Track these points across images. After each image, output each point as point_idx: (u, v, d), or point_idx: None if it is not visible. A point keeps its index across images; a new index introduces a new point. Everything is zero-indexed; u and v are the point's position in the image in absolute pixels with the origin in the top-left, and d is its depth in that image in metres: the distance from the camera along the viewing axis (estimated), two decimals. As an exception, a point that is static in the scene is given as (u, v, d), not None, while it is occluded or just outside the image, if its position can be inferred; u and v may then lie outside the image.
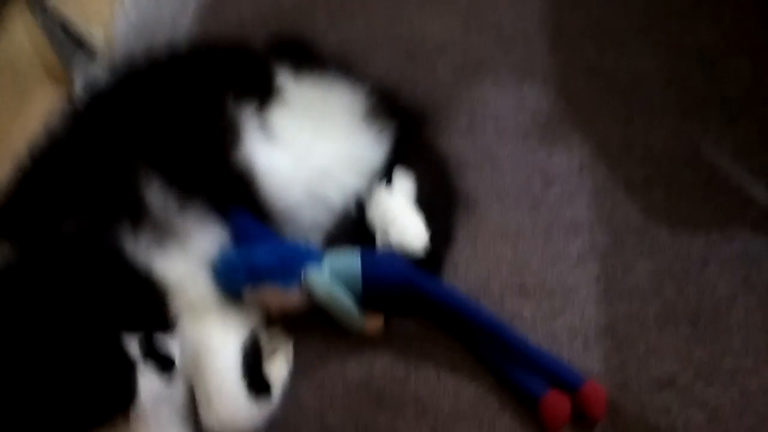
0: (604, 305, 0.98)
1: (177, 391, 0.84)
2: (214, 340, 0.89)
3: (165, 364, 0.77)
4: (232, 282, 0.90)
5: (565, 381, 0.89)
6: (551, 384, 0.89)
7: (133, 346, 0.75)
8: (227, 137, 0.96)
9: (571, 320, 0.98)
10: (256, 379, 0.89)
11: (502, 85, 1.26)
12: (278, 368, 0.94)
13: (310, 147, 1.01)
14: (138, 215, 0.87)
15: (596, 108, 1.21)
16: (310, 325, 0.99)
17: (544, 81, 1.26)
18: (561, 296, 1.00)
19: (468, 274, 1.03)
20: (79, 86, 1.24)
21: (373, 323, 0.97)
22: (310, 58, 1.13)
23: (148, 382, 0.76)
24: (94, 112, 0.99)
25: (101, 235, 0.82)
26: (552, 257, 1.04)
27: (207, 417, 0.86)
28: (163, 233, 0.88)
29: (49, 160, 0.93)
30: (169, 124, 0.95)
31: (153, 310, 0.80)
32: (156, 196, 0.89)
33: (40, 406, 0.71)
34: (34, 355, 0.71)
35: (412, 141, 1.11)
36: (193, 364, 0.85)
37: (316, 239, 1.01)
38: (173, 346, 0.79)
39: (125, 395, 0.75)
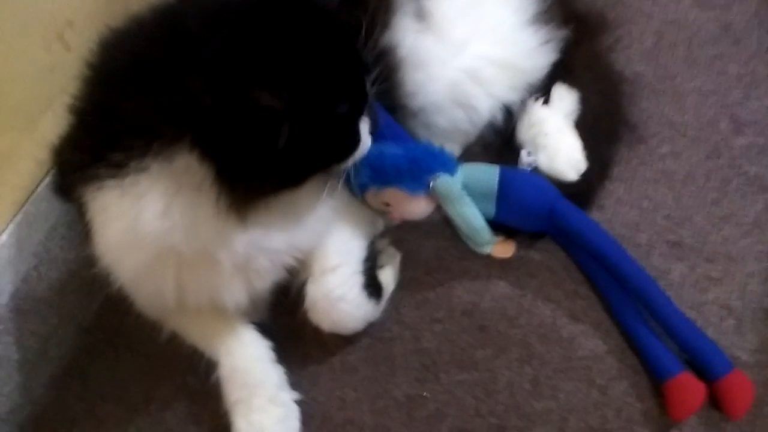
0: (774, 286, 0.83)
1: None
2: (344, 226, 0.83)
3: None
4: (356, 179, 0.82)
5: (708, 364, 0.75)
6: (688, 363, 0.77)
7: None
8: (378, 16, 0.86)
9: (726, 295, 0.83)
10: (371, 281, 0.83)
11: (705, 5, 1.07)
12: (386, 278, 0.88)
13: (464, 42, 0.89)
14: None
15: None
16: (422, 240, 0.92)
17: (759, 8, 1.05)
18: (722, 264, 0.85)
19: (615, 218, 0.90)
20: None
21: (503, 249, 0.87)
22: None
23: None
24: None
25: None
26: (721, 217, 0.88)
27: (313, 291, 0.80)
28: None
29: None
30: None
31: None
32: None
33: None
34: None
35: (583, 54, 0.96)
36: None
37: (451, 149, 0.90)
38: None
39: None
